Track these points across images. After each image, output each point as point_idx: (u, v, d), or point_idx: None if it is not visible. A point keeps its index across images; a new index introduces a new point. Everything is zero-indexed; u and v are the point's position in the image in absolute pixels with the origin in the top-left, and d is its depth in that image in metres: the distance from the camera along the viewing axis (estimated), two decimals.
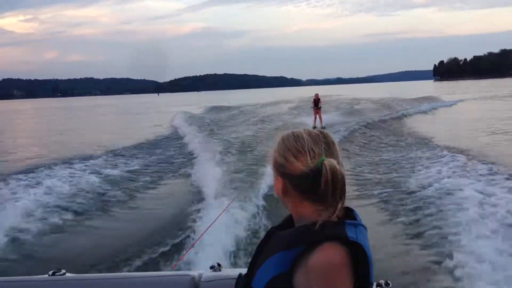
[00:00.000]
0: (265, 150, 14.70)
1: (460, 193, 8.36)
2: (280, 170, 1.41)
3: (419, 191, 9.10)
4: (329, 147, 1.38)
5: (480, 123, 22.58)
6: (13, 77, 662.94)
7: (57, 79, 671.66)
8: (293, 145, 1.39)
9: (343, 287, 1.24)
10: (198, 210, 8.19)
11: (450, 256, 5.68)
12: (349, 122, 22.84)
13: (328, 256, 1.25)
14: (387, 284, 1.94)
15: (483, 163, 11.01)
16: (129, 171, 13.27)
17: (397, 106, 36.96)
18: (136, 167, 13.95)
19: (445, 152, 12.92)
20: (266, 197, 9.01)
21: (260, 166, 11.69)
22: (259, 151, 15.26)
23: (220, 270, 2.14)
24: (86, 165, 13.88)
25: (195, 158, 14.62)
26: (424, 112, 32.57)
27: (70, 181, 11.39)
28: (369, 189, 9.73)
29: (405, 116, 29.19)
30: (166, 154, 16.84)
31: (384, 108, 35.10)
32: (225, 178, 10.54)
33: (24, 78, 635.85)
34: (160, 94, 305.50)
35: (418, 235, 6.78)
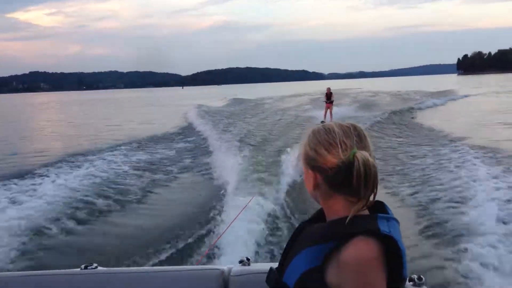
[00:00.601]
0: (280, 143, 15.05)
1: (484, 187, 8.41)
2: (311, 163, 1.40)
3: (444, 186, 9.01)
4: (360, 139, 1.37)
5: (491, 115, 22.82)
6: (40, 70, 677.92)
7: (82, 72, 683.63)
8: (324, 138, 1.38)
9: (377, 281, 1.24)
10: (221, 204, 8.22)
11: (479, 254, 5.61)
12: (362, 117, 22.51)
13: (360, 250, 1.25)
14: (420, 279, 1.92)
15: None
16: (152, 164, 13.43)
17: (413, 99, 37.12)
18: (159, 160, 14.15)
19: (466, 147, 12.92)
20: (288, 191, 9.09)
21: (280, 159, 11.64)
22: (275, 144, 15.27)
23: (249, 265, 2.15)
24: (112, 158, 14.14)
25: (215, 150, 14.68)
26: (438, 105, 32.61)
27: (96, 175, 11.52)
28: (390, 185, 9.56)
29: (420, 109, 29.18)
30: (188, 147, 17.04)
31: (399, 102, 35.04)
32: (246, 172, 10.58)
33: (50, 71, 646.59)
34: (184, 87, 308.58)
35: (445, 231, 6.67)
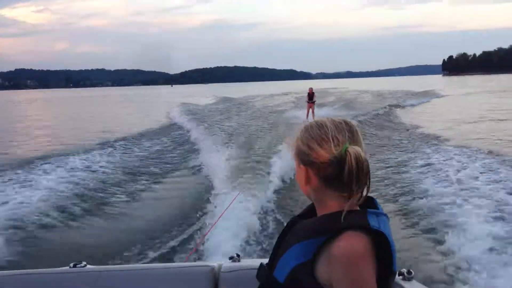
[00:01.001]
0: (268, 140, 15.24)
1: (469, 182, 8.71)
2: (303, 158, 1.41)
3: (423, 182, 9.24)
4: (352, 135, 1.38)
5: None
6: (26, 67, 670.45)
7: (69, 70, 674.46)
8: (316, 133, 1.38)
9: (366, 275, 1.25)
10: (209, 201, 8.23)
11: (463, 246, 5.76)
12: (344, 116, 23.42)
13: (350, 244, 1.26)
14: (409, 272, 1.93)
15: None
16: (140, 163, 13.47)
17: (394, 99, 38.28)
18: (146, 158, 14.22)
19: (445, 145, 13.55)
20: (277, 187, 9.22)
21: (268, 156, 11.79)
22: (262, 142, 15.41)
23: (239, 261, 2.15)
24: (100, 154, 14.28)
25: (203, 149, 14.69)
26: (415, 105, 33.59)
27: (84, 171, 11.62)
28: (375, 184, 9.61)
29: (399, 107, 30.14)
30: (174, 144, 17.19)
31: (380, 101, 36.07)
32: (234, 169, 10.60)
33: (36, 69, 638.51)
34: (173, 85, 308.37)
35: (430, 226, 6.82)
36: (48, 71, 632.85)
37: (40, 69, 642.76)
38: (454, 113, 26.14)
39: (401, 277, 1.93)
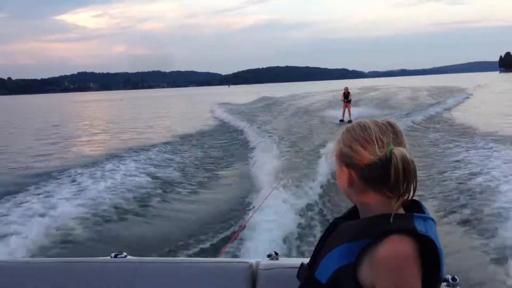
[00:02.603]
0: (314, 141, 15.56)
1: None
2: (346, 160, 1.40)
3: (470, 183, 9.02)
4: (397, 136, 1.36)
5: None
6: (87, 71, 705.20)
7: (126, 72, 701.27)
8: (360, 135, 1.37)
9: (411, 281, 1.22)
10: (253, 199, 8.37)
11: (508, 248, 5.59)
12: (383, 116, 21.47)
13: (396, 248, 1.23)
14: (454, 279, 1.90)
15: None
16: (188, 161, 13.89)
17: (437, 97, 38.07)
18: (194, 156, 14.66)
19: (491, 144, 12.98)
20: (322, 187, 9.13)
21: (314, 155, 12.02)
22: (309, 141, 15.70)
23: (277, 259, 2.14)
24: (149, 154, 14.68)
25: (249, 147, 15.15)
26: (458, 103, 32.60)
27: (133, 169, 11.94)
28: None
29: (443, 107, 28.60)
30: (221, 144, 17.61)
31: (422, 100, 36.04)
32: (280, 167, 10.77)
33: (97, 72, 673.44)
34: (230, 86, 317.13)
35: (477, 230, 6.63)
36: (108, 73, 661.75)
37: (101, 72, 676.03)
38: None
39: (445, 283, 1.90)
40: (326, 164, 10.30)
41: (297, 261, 1.69)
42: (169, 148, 16.48)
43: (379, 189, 1.34)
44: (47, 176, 11.61)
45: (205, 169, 12.71)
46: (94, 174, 11.49)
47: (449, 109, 27.91)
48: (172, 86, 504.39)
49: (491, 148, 12.44)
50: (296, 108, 33.29)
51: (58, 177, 11.34)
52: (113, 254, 2.24)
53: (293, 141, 16.14)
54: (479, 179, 9.20)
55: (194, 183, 10.95)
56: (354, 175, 1.38)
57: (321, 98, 45.33)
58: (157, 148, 16.00)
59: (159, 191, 10.06)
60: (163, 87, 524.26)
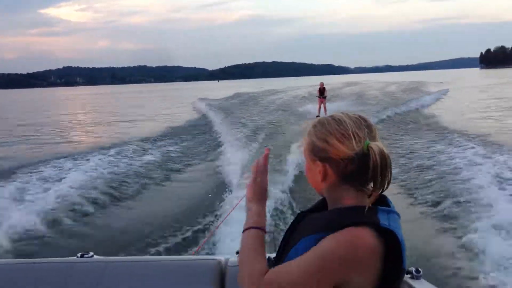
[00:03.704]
0: (282, 136, 15.82)
1: (478, 174, 8.65)
2: (320, 154, 1.37)
3: (435, 173, 9.31)
4: (371, 130, 1.36)
5: None
6: (73, 65, 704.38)
7: (112, 67, 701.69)
8: (335, 128, 1.35)
9: (331, 268, 1.21)
10: (223, 197, 8.23)
11: (474, 241, 5.72)
12: (362, 112, 22.17)
13: (353, 235, 1.23)
14: (417, 271, 1.92)
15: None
16: (155, 157, 13.45)
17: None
18: (162, 153, 14.25)
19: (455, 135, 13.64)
20: (291, 182, 9.13)
21: (285, 150, 11.92)
22: (276, 136, 15.86)
23: None
24: (117, 151, 14.23)
25: (219, 143, 15.00)
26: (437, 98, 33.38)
27: (97, 167, 11.53)
28: None
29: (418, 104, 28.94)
30: (192, 140, 17.25)
31: (396, 95, 36.93)
32: (249, 164, 10.34)
33: (82, 66, 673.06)
34: (219, 81, 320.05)
35: (440, 220, 6.82)
36: (93, 68, 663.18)
37: (86, 66, 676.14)
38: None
39: (409, 275, 1.92)
40: (296, 159, 10.42)
41: (267, 256, 1.57)
42: (138, 144, 15.94)
43: (353, 184, 1.34)
44: (8, 173, 11.29)
45: (173, 166, 12.42)
46: (58, 170, 11.33)
47: (418, 105, 28.30)
48: (160, 81, 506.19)
49: (459, 142, 12.84)
50: (273, 103, 33.19)
51: (20, 175, 10.90)
52: (79, 254, 2.20)
53: (267, 135, 16.26)
54: (445, 172, 9.51)
55: (161, 181, 10.75)
56: (328, 169, 1.36)
57: (297, 93, 44.77)
58: (124, 146, 15.44)
59: (125, 189, 9.79)
60: (150, 82, 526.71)
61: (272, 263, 1.47)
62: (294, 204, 8.01)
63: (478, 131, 15.13)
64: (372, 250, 1.22)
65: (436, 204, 7.73)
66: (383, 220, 1.28)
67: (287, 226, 1.51)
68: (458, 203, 7.43)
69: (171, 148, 15.34)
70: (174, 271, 2.10)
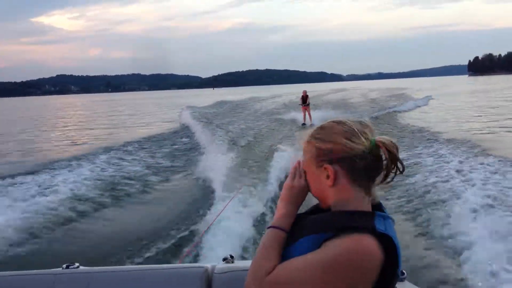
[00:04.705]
0: (267, 144, 15.63)
1: (458, 182, 8.62)
2: (328, 157, 1.36)
3: (420, 183, 9.21)
4: (370, 130, 1.38)
5: None
6: (66, 73, 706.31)
7: (106, 75, 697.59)
8: (340, 129, 1.37)
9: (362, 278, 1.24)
10: (208, 204, 8.24)
11: (458, 248, 5.75)
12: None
13: (356, 243, 1.24)
14: (402, 273, 1.90)
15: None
16: (139, 165, 13.35)
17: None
18: (146, 161, 14.13)
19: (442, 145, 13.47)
20: (276, 188, 9.10)
21: (267, 160, 11.96)
22: (262, 145, 15.69)
23: (233, 262, 2.15)
24: (101, 158, 14.14)
25: (203, 151, 14.87)
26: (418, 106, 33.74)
27: (81, 175, 11.36)
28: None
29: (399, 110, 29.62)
30: (175, 147, 17.22)
31: (380, 101, 37.89)
32: (233, 171, 10.66)
33: (76, 74, 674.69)
34: (214, 88, 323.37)
35: (422, 227, 6.86)
36: (87, 76, 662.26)
37: (79, 74, 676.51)
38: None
39: None
40: (279, 166, 10.50)
41: None
42: (121, 152, 15.80)
43: (363, 182, 1.35)
44: None
45: (157, 173, 12.36)
46: (41, 180, 10.99)
47: (399, 110, 29.11)
48: (154, 89, 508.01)
49: (441, 148, 12.97)
50: (257, 110, 33.33)
51: None
52: (64, 265, 2.19)
53: (250, 143, 16.26)
54: (424, 178, 9.53)
55: (145, 189, 10.67)
56: (339, 170, 1.35)
57: (281, 100, 45.15)
58: (108, 153, 15.29)
59: (108, 197, 9.73)
60: (144, 89, 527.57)
61: None
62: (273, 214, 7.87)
63: (453, 135, 15.63)
64: (376, 259, 1.24)
65: (408, 204, 8.01)
66: (380, 226, 1.30)
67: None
68: (430, 203, 7.75)
69: (151, 155, 15.38)
70: (161, 279, 2.09)
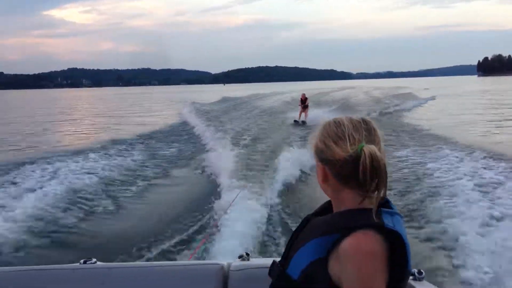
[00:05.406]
0: (273, 140, 15.82)
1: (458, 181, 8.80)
2: (321, 156, 1.40)
3: (433, 184, 9.22)
4: (370, 133, 1.37)
5: None
6: (78, 67, 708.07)
7: (117, 69, 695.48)
8: (333, 131, 1.38)
9: (375, 276, 1.23)
10: (217, 199, 8.24)
11: (476, 247, 5.75)
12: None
13: (359, 242, 1.24)
14: (420, 273, 1.94)
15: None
16: (148, 161, 13.52)
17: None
18: (154, 157, 14.27)
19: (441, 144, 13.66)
20: (282, 186, 9.26)
21: (273, 156, 12.12)
22: (267, 141, 15.76)
23: (248, 260, 2.18)
24: (116, 153, 14.32)
25: (210, 146, 14.98)
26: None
27: (95, 170, 11.51)
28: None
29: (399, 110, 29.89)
30: (185, 143, 17.40)
31: (384, 100, 37.64)
32: (238, 168, 10.71)
33: (87, 68, 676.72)
34: (225, 84, 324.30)
35: (443, 227, 6.75)
36: (98, 70, 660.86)
37: (91, 68, 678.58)
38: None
39: (412, 277, 1.95)
40: (287, 163, 10.62)
41: (268, 260, 1.66)
42: (129, 147, 16.03)
43: (351, 186, 1.34)
44: None
45: (168, 170, 12.42)
46: (51, 173, 10.98)
47: (403, 110, 29.62)
48: (164, 84, 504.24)
49: (439, 148, 13.13)
50: (261, 108, 33.40)
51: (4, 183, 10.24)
52: (82, 261, 2.22)
53: (258, 140, 16.35)
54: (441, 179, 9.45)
55: (156, 186, 10.73)
56: (327, 170, 1.39)
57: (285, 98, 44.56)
58: (117, 147, 15.57)
59: (122, 193, 9.85)
60: (154, 84, 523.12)
61: (277, 266, 1.52)
62: (286, 207, 8.08)
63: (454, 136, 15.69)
64: (379, 252, 1.25)
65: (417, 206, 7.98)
66: (388, 222, 1.29)
67: (288, 231, 1.74)
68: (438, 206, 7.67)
69: (160, 151, 15.47)
70: (177, 276, 2.12)
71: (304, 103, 24.36)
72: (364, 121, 1.42)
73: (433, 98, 42.62)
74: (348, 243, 1.26)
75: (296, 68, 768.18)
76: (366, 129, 1.38)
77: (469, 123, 21.80)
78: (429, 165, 11.04)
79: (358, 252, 1.24)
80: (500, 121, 22.67)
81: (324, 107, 29.79)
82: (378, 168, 1.28)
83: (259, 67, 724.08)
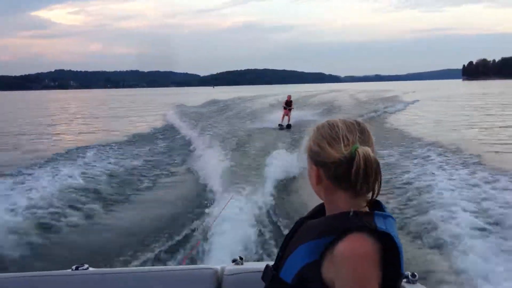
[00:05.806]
0: (262, 143, 15.82)
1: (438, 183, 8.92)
2: (315, 158, 1.41)
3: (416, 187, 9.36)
4: (363, 135, 1.38)
5: None
6: (65, 68, 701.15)
7: (105, 71, 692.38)
8: (327, 133, 1.39)
9: (369, 277, 1.23)
10: (208, 204, 8.30)
11: (468, 250, 5.80)
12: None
13: (354, 245, 1.25)
14: (413, 275, 1.94)
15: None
16: (138, 165, 13.43)
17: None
18: (144, 161, 14.19)
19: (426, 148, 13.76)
20: (274, 190, 9.32)
21: (262, 158, 12.21)
22: (256, 144, 15.75)
23: (242, 264, 2.18)
24: (102, 157, 14.17)
25: (197, 151, 14.95)
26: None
27: (83, 176, 11.29)
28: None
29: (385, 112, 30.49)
30: (172, 147, 17.41)
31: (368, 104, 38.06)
32: (229, 172, 10.70)
33: (74, 70, 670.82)
34: (214, 87, 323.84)
35: (435, 233, 6.74)
36: (86, 72, 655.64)
37: (78, 70, 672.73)
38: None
39: (405, 279, 1.94)
40: (275, 166, 10.68)
41: (262, 264, 1.66)
42: (118, 151, 15.98)
43: (344, 188, 1.35)
44: None
45: (157, 175, 12.40)
46: (40, 179, 10.81)
47: (386, 112, 30.11)
48: (152, 86, 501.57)
49: (426, 151, 13.28)
50: (245, 110, 33.39)
51: None
52: (74, 267, 2.20)
53: (244, 144, 16.27)
54: (411, 179, 9.77)
55: (146, 191, 10.73)
56: (321, 172, 1.39)
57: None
58: (105, 152, 15.42)
59: (114, 198, 9.81)
60: (143, 86, 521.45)
61: (270, 270, 1.52)
62: (276, 211, 8.10)
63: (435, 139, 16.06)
64: (372, 255, 1.26)
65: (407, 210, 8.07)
66: (380, 224, 1.30)
67: (281, 235, 1.75)
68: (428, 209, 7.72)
69: (148, 155, 15.40)
70: (171, 280, 2.09)
71: (289, 105, 24.11)
72: (358, 122, 1.43)
73: (414, 102, 43.88)
74: (343, 246, 1.27)
75: (284, 71, 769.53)
76: (359, 131, 1.40)
77: (451, 125, 22.55)
78: (413, 168, 11.24)
79: (353, 254, 1.24)
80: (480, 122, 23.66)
81: (308, 110, 30.07)
82: (371, 170, 1.30)
83: (248, 69, 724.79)
